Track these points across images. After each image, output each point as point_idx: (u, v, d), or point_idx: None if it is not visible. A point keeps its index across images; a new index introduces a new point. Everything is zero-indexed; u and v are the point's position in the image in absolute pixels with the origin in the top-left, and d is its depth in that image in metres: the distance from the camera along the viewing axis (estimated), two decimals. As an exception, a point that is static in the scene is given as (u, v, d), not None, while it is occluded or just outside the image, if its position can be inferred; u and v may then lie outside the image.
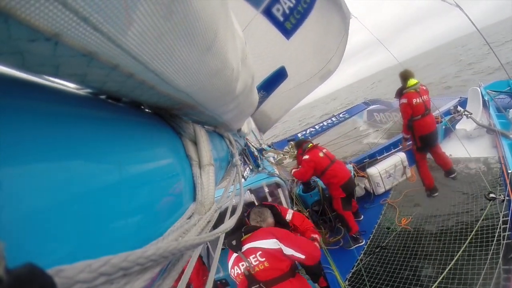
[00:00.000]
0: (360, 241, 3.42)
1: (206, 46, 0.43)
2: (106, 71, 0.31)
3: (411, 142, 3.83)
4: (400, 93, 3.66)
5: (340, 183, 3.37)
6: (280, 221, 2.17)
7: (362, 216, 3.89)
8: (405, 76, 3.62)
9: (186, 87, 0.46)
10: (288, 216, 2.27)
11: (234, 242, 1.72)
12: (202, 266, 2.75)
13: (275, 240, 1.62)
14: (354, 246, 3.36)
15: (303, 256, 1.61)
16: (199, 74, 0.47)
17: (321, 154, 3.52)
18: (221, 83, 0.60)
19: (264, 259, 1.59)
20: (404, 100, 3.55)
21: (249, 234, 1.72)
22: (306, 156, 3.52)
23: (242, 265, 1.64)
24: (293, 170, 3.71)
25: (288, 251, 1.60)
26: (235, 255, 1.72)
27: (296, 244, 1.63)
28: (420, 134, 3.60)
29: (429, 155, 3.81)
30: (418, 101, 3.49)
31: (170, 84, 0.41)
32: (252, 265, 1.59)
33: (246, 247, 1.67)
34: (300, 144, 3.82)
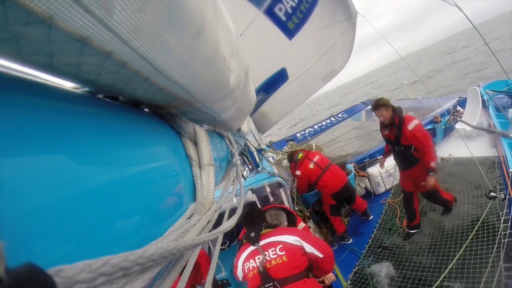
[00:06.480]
0: (347, 240, 3.53)
1: (196, 31, 0.44)
2: (100, 59, 0.31)
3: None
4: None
5: (330, 192, 3.36)
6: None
7: (372, 217, 3.82)
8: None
9: (180, 77, 0.46)
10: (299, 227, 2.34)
11: (252, 234, 1.70)
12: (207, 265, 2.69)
13: (297, 238, 1.64)
14: (341, 243, 3.54)
15: (321, 255, 1.64)
16: (191, 62, 0.47)
17: (311, 166, 3.45)
18: (214, 73, 0.60)
19: (283, 253, 1.57)
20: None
21: (269, 230, 1.73)
22: (298, 172, 3.53)
23: (258, 258, 1.58)
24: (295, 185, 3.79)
25: (309, 248, 1.63)
26: (251, 248, 1.66)
27: (317, 244, 1.67)
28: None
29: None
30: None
31: (163, 74, 0.41)
32: (269, 259, 1.55)
33: (265, 241, 1.65)
34: (291, 157, 3.75)
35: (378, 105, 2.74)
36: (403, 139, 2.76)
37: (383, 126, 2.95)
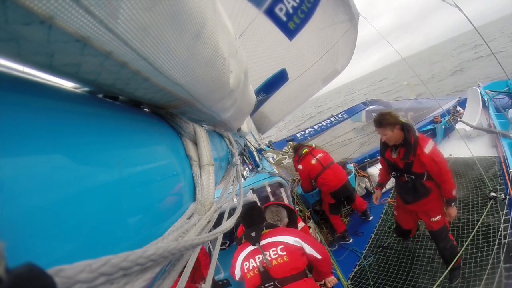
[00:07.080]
0: (347, 239, 3.54)
1: (196, 31, 0.44)
2: (100, 60, 0.31)
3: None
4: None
5: (329, 191, 3.38)
6: (291, 226, 2.24)
7: (372, 217, 3.82)
8: None
9: (180, 77, 0.46)
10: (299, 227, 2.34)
11: (253, 234, 1.70)
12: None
13: (296, 239, 1.66)
14: (341, 242, 3.55)
15: (320, 257, 1.69)
16: (191, 63, 0.47)
17: (313, 161, 3.48)
18: (214, 73, 0.60)
19: (284, 253, 1.58)
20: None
21: (270, 229, 1.74)
22: (300, 166, 3.57)
23: (258, 258, 1.59)
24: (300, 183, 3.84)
25: (309, 249, 1.66)
26: (250, 248, 1.66)
27: (315, 245, 1.71)
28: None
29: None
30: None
31: (164, 74, 0.41)
32: (270, 259, 1.56)
33: (265, 241, 1.66)
34: (297, 150, 3.78)
35: (381, 123, 2.08)
36: (416, 166, 2.12)
37: (387, 147, 2.26)
